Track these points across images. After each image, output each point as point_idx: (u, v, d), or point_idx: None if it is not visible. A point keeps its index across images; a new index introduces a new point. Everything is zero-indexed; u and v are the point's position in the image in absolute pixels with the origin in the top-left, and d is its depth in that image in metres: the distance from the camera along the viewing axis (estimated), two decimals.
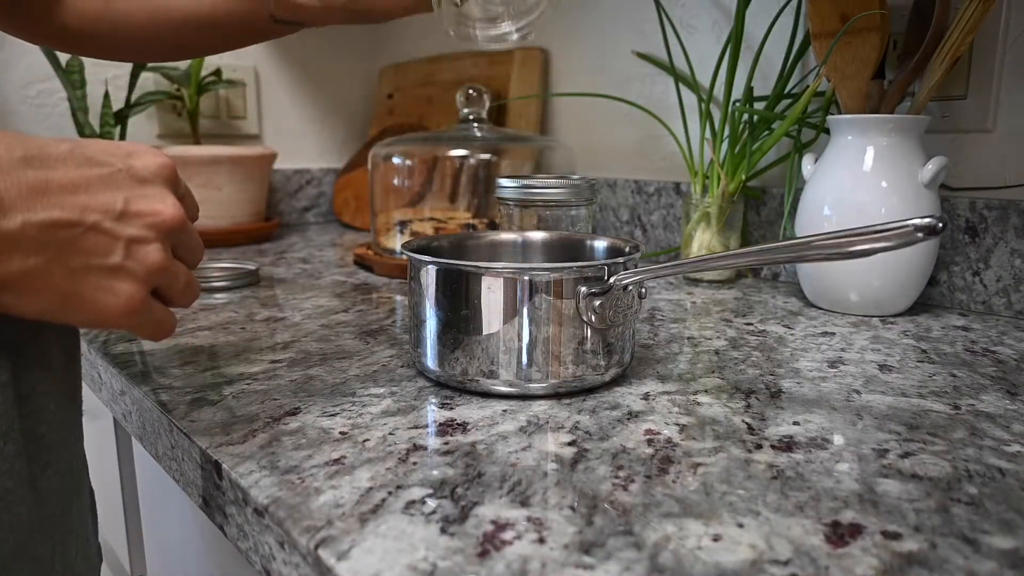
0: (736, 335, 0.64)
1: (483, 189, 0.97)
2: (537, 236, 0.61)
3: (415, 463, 0.38)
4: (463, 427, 0.43)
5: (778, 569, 0.29)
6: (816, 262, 0.69)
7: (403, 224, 0.96)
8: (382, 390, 0.49)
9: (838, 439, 0.42)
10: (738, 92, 0.88)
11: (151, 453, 0.49)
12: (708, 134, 0.88)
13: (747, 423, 0.44)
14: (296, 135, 1.46)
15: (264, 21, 0.63)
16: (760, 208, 0.90)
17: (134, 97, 1.13)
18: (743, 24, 0.83)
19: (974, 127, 0.74)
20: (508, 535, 0.32)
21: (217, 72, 1.26)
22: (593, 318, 0.47)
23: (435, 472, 0.37)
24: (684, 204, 0.89)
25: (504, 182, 0.70)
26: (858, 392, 0.50)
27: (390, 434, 0.42)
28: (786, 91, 0.83)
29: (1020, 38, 0.70)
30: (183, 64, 1.27)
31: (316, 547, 0.31)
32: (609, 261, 0.47)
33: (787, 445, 0.41)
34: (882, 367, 0.55)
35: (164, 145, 1.18)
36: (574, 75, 1.15)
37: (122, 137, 1.11)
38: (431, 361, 0.49)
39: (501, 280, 0.46)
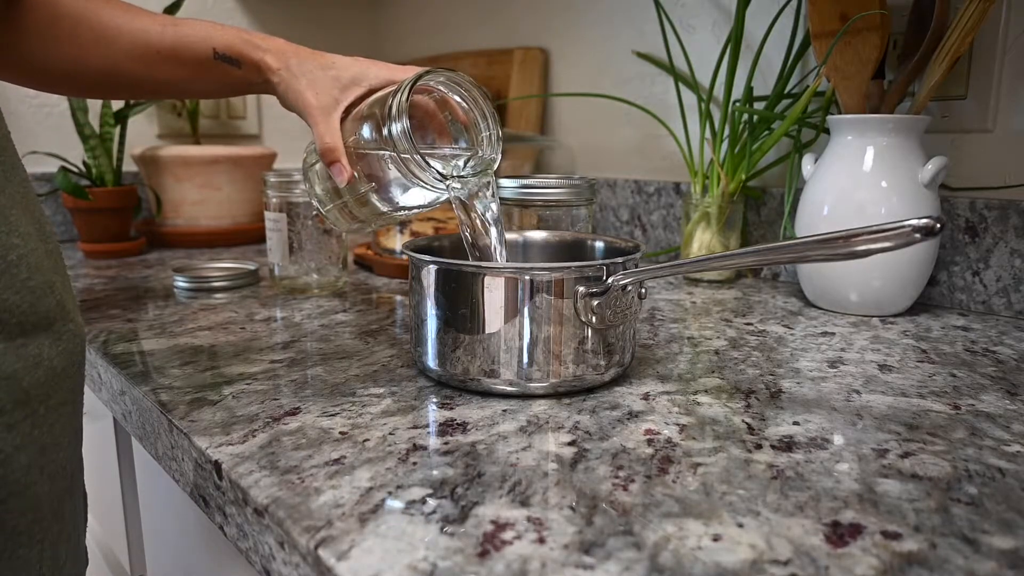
0: (736, 335, 0.64)
1: None
2: (537, 236, 0.61)
3: (415, 463, 0.38)
4: (463, 427, 0.43)
5: (778, 569, 0.29)
6: (816, 262, 0.69)
7: (403, 224, 0.96)
8: (382, 390, 0.49)
9: (838, 439, 0.42)
10: (738, 92, 0.88)
11: (151, 453, 0.49)
12: (708, 134, 0.88)
13: (747, 423, 0.44)
14: (296, 135, 1.46)
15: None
16: (760, 208, 0.90)
17: None
18: (743, 24, 0.83)
19: (974, 127, 0.74)
20: (508, 535, 0.32)
21: None
22: (592, 318, 0.47)
23: (435, 472, 0.37)
24: (684, 204, 0.89)
25: (504, 182, 0.70)
26: (858, 392, 0.50)
27: (390, 434, 0.42)
28: (786, 91, 0.83)
29: (1020, 38, 0.70)
30: None
31: (316, 547, 0.31)
32: (608, 261, 0.47)
33: (787, 445, 0.41)
34: (882, 367, 0.55)
35: (164, 145, 1.18)
36: (574, 75, 1.15)
37: (122, 137, 1.11)
38: (432, 360, 0.49)
39: (501, 280, 0.46)
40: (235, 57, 0.58)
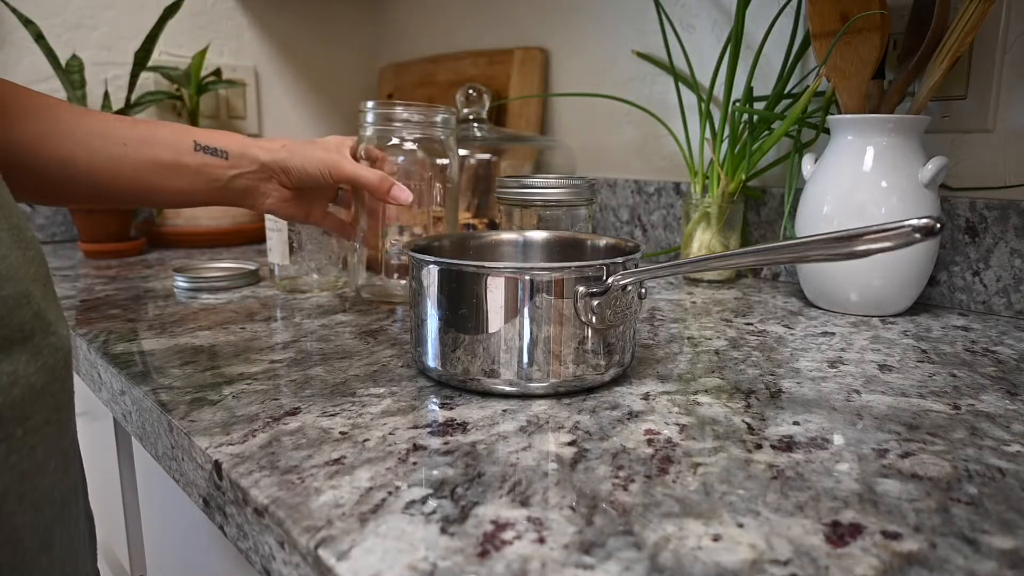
0: (736, 335, 0.64)
1: (483, 189, 0.97)
2: (537, 236, 0.61)
3: (415, 463, 0.38)
4: (463, 427, 0.43)
5: (778, 569, 0.29)
6: (816, 262, 0.69)
7: (402, 225, 0.95)
8: (382, 390, 0.49)
9: (838, 439, 0.42)
10: (738, 92, 0.88)
11: (151, 453, 0.49)
12: (708, 134, 0.88)
13: (747, 423, 0.44)
14: (296, 135, 1.46)
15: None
16: (760, 208, 0.90)
17: (134, 97, 1.13)
18: (743, 24, 0.83)
19: (974, 127, 0.74)
20: (508, 535, 0.32)
21: (217, 72, 1.26)
22: (592, 318, 0.47)
23: (435, 472, 0.37)
24: (684, 204, 0.89)
25: (504, 182, 0.70)
26: (858, 392, 0.50)
27: (390, 434, 0.42)
28: (786, 91, 0.83)
29: (1020, 38, 0.70)
30: (183, 64, 1.27)
31: (316, 547, 0.31)
32: (608, 261, 0.47)
33: (787, 445, 0.41)
34: (882, 367, 0.55)
35: None
36: (574, 75, 1.15)
37: None
38: (432, 360, 0.49)
39: (502, 280, 0.46)
40: (220, 148, 0.62)
